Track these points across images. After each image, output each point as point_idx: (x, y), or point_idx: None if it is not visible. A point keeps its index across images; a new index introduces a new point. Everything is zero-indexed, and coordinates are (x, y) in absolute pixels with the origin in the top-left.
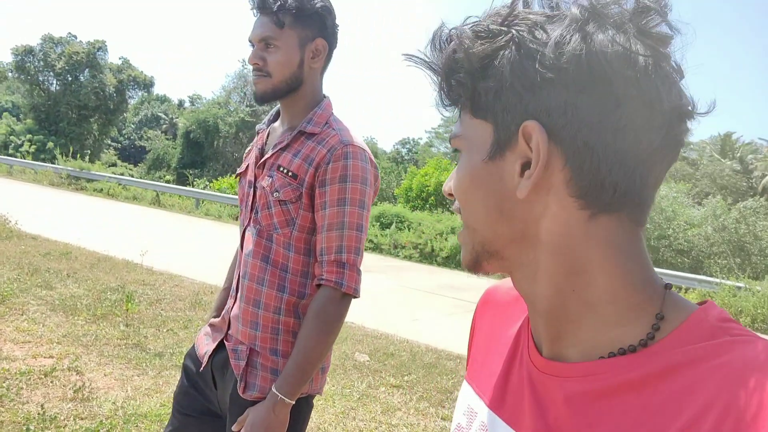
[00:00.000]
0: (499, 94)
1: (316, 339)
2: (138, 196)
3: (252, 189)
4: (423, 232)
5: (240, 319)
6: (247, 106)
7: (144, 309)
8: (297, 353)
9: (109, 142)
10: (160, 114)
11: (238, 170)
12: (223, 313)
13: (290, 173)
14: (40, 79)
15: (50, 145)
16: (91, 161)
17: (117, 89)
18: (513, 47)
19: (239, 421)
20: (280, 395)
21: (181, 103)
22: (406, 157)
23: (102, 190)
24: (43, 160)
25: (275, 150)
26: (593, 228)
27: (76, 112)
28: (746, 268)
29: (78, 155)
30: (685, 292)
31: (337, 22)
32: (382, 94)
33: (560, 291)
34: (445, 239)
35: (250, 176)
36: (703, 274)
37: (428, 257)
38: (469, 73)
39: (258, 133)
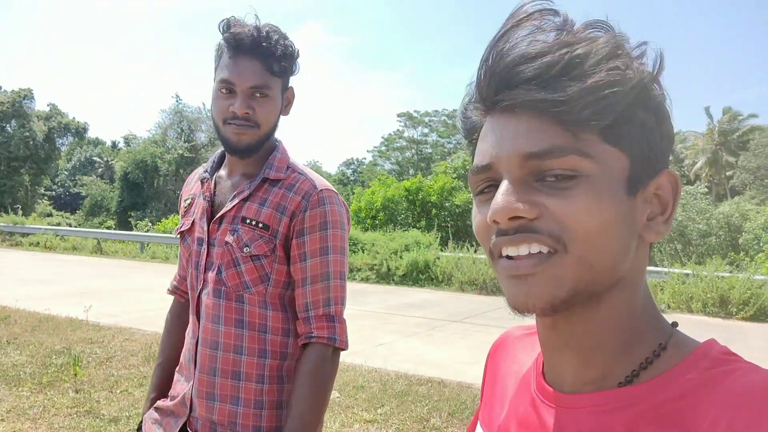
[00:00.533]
0: (652, 131)
1: (313, 403)
2: (78, 246)
3: (204, 247)
4: (377, 252)
5: (216, 396)
6: (185, 141)
7: (94, 370)
8: (294, 422)
9: (43, 191)
10: (94, 158)
11: (180, 227)
12: (178, 392)
13: (260, 224)
14: None
15: None
16: (25, 214)
17: (47, 137)
18: (657, 87)
19: None
20: None
21: (115, 145)
22: (351, 178)
23: (39, 243)
24: None
25: (235, 201)
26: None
27: (5, 164)
28: (691, 255)
29: (10, 209)
30: None
31: None
32: (322, 116)
33: (614, 329)
34: (400, 257)
35: (199, 233)
36: (650, 265)
37: (385, 277)
38: (634, 96)
39: (203, 182)
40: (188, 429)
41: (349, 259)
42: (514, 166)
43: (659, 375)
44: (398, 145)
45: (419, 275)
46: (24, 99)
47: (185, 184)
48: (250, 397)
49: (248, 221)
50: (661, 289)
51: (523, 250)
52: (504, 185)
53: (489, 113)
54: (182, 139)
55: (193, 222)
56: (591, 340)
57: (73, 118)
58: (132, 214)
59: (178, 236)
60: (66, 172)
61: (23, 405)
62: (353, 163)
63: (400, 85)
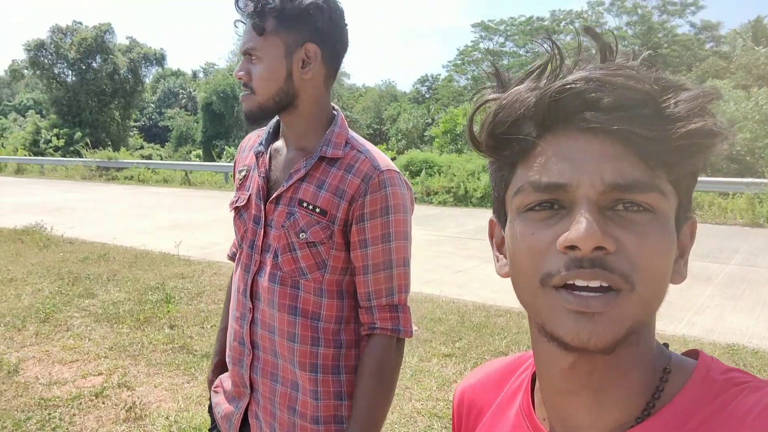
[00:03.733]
0: (696, 180)
1: (378, 396)
2: (168, 178)
3: (261, 227)
4: (454, 175)
5: (279, 378)
6: None
7: (185, 306)
8: (359, 415)
9: (132, 124)
10: (177, 89)
11: (235, 203)
12: (237, 371)
13: (317, 209)
14: (56, 71)
15: (78, 135)
16: (116, 148)
17: (130, 69)
18: None
19: None
20: None
21: (195, 75)
22: (426, 95)
23: (133, 177)
24: (73, 153)
25: (291, 181)
26: None
27: (95, 100)
28: None
29: (103, 145)
30: (732, 197)
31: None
32: (394, 33)
33: (638, 364)
34: (478, 179)
35: (255, 211)
36: (749, 175)
37: (462, 200)
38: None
39: (258, 156)
40: (250, 408)
41: (426, 183)
42: (596, 192)
43: (670, 402)
44: (474, 58)
45: None
46: (105, 33)
47: (239, 149)
48: (306, 386)
49: (305, 204)
50: (759, 202)
51: (594, 283)
52: (586, 211)
53: (551, 130)
54: None
55: (249, 197)
56: (614, 378)
57: (151, 47)
58: (216, 143)
59: (233, 210)
60: (152, 105)
61: (124, 342)
62: (428, 80)
63: None
